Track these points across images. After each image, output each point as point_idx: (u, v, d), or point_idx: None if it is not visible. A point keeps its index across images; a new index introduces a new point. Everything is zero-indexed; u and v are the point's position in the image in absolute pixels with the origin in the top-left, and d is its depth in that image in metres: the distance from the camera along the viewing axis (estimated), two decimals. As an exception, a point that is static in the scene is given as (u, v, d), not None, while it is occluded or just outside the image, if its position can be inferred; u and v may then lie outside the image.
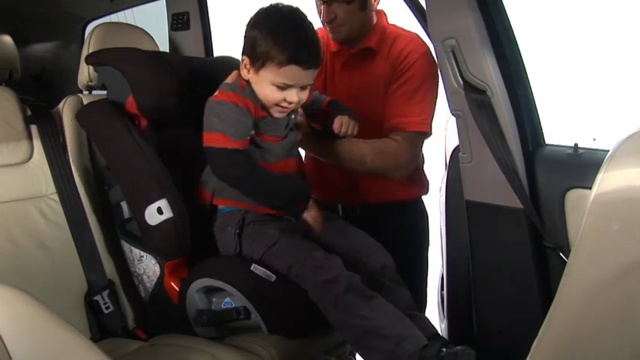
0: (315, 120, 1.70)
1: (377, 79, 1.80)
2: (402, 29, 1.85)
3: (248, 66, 1.47)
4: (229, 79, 1.53)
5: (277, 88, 1.45)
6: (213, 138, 1.46)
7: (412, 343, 1.34)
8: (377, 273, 1.52)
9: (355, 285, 1.40)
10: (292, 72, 1.43)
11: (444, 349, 1.34)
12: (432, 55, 1.74)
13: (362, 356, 1.47)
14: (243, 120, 1.46)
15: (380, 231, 1.64)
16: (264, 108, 1.50)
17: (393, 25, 1.86)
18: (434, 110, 1.79)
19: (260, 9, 1.48)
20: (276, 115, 1.51)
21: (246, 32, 1.48)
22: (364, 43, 1.81)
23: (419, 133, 1.76)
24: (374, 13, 1.82)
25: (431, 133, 1.80)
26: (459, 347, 1.35)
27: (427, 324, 1.48)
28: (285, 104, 1.47)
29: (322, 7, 1.75)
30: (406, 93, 1.75)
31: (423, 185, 1.93)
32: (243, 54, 1.48)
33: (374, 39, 1.80)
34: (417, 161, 1.84)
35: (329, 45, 1.87)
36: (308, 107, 1.67)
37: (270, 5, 1.48)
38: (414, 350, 1.33)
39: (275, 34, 1.41)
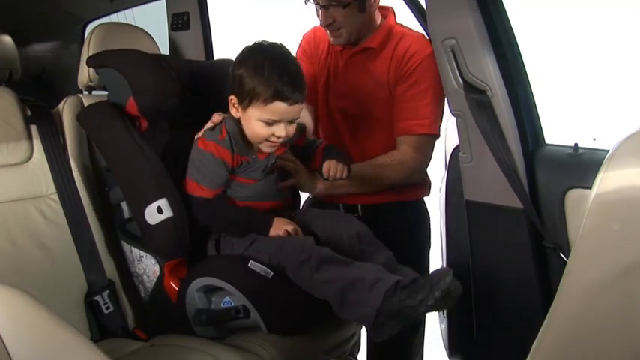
0: (311, 164, 1.70)
1: (379, 79, 1.80)
2: (409, 29, 1.85)
3: (236, 104, 1.51)
4: (211, 123, 1.57)
5: (265, 124, 1.48)
6: (189, 184, 1.56)
7: (387, 281, 1.35)
8: (353, 239, 1.53)
9: (326, 255, 1.42)
10: (278, 108, 1.45)
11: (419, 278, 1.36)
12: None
13: (349, 317, 1.46)
14: (218, 171, 1.54)
15: (381, 231, 1.64)
16: (246, 151, 1.55)
17: (401, 25, 1.86)
18: (442, 112, 1.79)
19: (245, 48, 1.52)
20: (266, 149, 1.55)
21: (232, 71, 1.51)
22: (367, 43, 1.81)
23: (427, 135, 1.76)
24: (377, 14, 1.82)
25: (439, 136, 1.80)
26: (433, 270, 1.38)
27: (410, 272, 1.47)
28: (273, 139, 1.50)
29: (320, 11, 1.76)
30: (414, 95, 1.75)
31: (425, 186, 1.93)
32: (230, 93, 1.52)
33: (377, 39, 1.81)
34: (428, 163, 1.82)
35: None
36: (303, 151, 1.69)
37: (255, 43, 1.52)
38: (389, 286, 1.33)
39: (260, 72, 1.45)
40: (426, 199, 1.97)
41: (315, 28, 1.94)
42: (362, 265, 1.42)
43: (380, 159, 1.77)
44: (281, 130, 1.48)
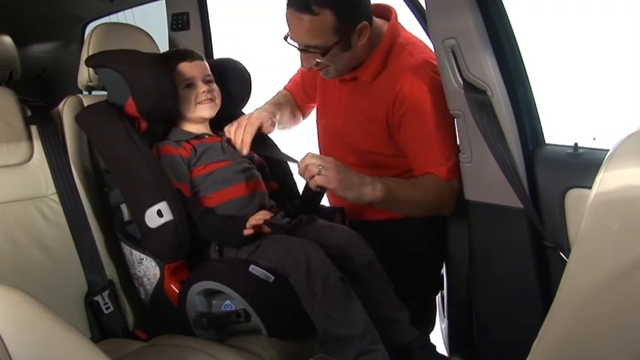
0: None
1: (373, 113, 1.72)
2: (408, 51, 1.70)
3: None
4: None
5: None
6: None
7: (372, 359, 1.37)
8: (364, 268, 1.53)
9: (333, 284, 1.42)
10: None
11: None
12: (435, 87, 1.63)
13: (320, 351, 1.48)
14: (175, 164, 1.64)
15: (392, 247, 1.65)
16: (185, 135, 1.70)
17: (402, 46, 1.71)
18: (457, 152, 1.65)
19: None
20: (206, 112, 1.72)
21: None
22: (357, 73, 1.73)
23: (450, 180, 1.68)
24: (366, 44, 1.65)
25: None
26: None
27: (406, 330, 1.50)
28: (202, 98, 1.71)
29: (301, 54, 1.65)
30: (422, 138, 1.67)
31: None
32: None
33: (368, 71, 1.71)
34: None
35: None
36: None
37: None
38: None
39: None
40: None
41: None
42: (361, 318, 1.41)
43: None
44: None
